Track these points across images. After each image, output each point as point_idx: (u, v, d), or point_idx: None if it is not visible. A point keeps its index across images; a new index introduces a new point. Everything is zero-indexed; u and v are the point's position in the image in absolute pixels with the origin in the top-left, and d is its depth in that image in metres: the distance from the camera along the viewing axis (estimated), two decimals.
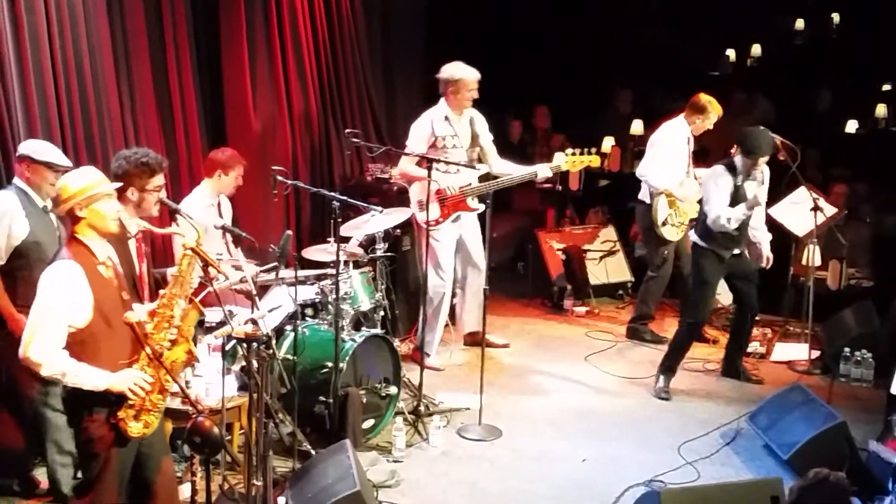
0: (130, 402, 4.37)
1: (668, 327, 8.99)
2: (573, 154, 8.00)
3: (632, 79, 12.50)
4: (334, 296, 6.56)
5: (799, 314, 8.76)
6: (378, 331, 7.05)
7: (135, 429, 4.41)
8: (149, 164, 5.07)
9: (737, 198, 7.34)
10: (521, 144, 11.44)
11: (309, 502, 5.38)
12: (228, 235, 6.65)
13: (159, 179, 5.14)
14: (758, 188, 7.38)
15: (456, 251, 8.10)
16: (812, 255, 8.48)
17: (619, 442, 6.86)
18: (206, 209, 6.83)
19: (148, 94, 7.41)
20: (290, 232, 6.36)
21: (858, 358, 8.01)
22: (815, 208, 8.17)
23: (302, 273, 6.82)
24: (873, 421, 6.97)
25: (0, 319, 5.43)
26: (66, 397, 4.47)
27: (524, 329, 9.37)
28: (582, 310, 9.90)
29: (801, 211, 8.42)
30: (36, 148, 5.49)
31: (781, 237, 8.85)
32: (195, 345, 4.75)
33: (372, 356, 6.84)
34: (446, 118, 7.86)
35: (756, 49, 13.23)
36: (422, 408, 7.12)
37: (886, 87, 12.19)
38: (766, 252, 7.83)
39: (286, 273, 6.53)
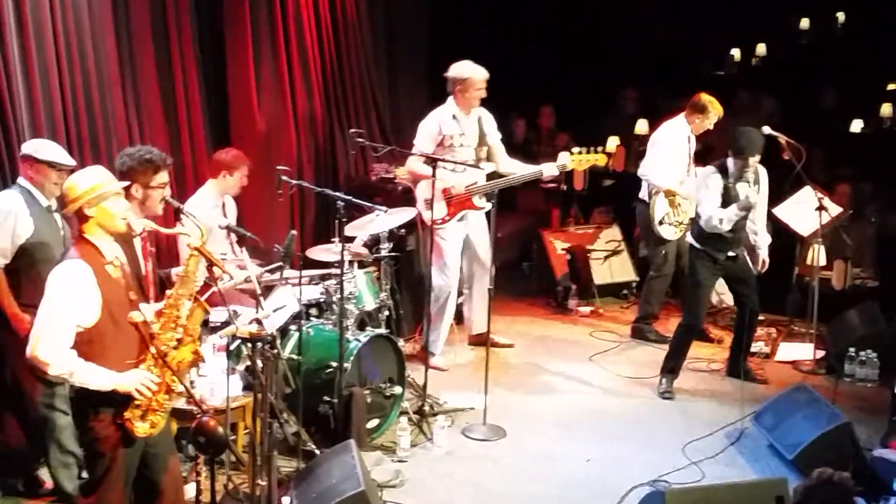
0: (137, 403, 4.38)
1: (673, 327, 8.89)
2: (579, 152, 7.98)
3: (636, 78, 12.49)
4: (339, 296, 6.56)
5: (804, 314, 8.75)
6: (382, 331, 7.05)
7: (141, 429, 4.42)
8: (153, 161, 5.06)
9: (728, 199, 7.31)
10: (525, 144, 11.44)
11: (313, 502, 5.39)
12: (233, 235, 6.66)
13: (163, 176, 5.14)
14: (750, 189, 7.34)
15: (462, 250, 8.10)
16: (817, 255, 8.46)
17: (624, 442, 6.86)
18: (211, 210, 6.84)
19: (153, 95, 7.42)
20: (294, 232, 6.37)
21: (863, 358, 7.99)
22: (820, 208, 8.15)
23: (306, 273, 6.82)
24: (878, 421, 6.97)
25: (4, 318, 5.43)
26: (74, 397, 4.47)
27: (528, 329, 9.37)
28: (586, 309, 9.90)
29: (806, 210, 8.40)
30: (39, 147, 5.50)
31: (785, 237, 8.87)
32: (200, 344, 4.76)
33: (376, 356, 6.84)
34: (454, 117, 7.86)
35: (761, 48, 13.21)
36: (426, 408, 7.13)
37: (892, 87, 12.14)
38: (763, 255, 7.80)
39: (291, 273, 6.54)
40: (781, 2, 12.91)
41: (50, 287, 4.31)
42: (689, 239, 7.72)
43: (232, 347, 5.61)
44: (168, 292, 4.56)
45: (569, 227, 10.67)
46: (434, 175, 7.24)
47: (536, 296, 10.31)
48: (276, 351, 5.13)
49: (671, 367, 7.75)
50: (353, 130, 8.07)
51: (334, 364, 6.44)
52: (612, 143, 11.04)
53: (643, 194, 8.79)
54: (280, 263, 6.37)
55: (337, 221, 6.52)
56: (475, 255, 8.16)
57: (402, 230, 7.73)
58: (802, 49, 13.12)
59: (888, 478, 5.88)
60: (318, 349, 6.65)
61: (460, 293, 8.39)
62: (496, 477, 6.37)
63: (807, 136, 8.57)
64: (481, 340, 7.97)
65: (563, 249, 10.27)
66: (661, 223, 8.56)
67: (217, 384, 5.74)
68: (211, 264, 4.63)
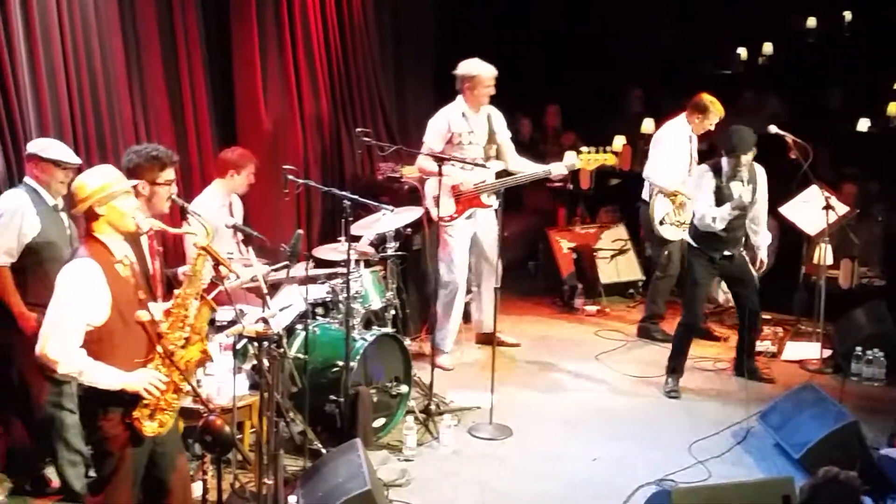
0: (145, 402, 4.39)
1: None
2: (588, 152, 7.97)
3: (642, 77, 12.48)
4: (345, 295, 6.56)
5: (810, 313, 8.73)
6: (389, 330, 7.05)
7: (150, 428, 4.42)
8: (159, 158, 5.08)
9: (722, 198, 7.31)
10: (531, 143, 11.43)
11: (319, 501, 5.39)
12: (239, 234, 6.66)
13: (170, 173, 5.16)
14: (744, 188, 7.31)
15: (470, 249, 8.11)
16: (824, 254, 8.45)
17: (630, 441, 6.85)
18: (217, 209, 6.84)
19: (159, 94, 7.43)
20: (301, 231, 6.36)
21: (870, 357, 7.98)
22: (827, 207, 8.15)
23: (313, 272, 6.83)
24: (885, 420, 6.97)
25: (10, 317, 5.44)
26: (82, 395, 4.48)
27: (535, 328, 9.37)
28: (592, 309, 9.90)
29: (813, 210, 8.39)
30: (44, 146, 5.51)
31: (792, 236, 8.86)
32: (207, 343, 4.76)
33: (382, 355, 6.84)
34: (463, 115, 7.87)
35: (767, 47, 13.20)
36: (432, 407, 7.13)
37: None
38: (762, 256, 7.78)
39: (297, 272, 6.54)
40: (788, 1, 12.91)
41: (60, 285, 4.32)
42: (687, 238, 7.73)
43: (238, 346, 5.60)
44: (176, 292, 4.56)
45: (575, 227, 10.66)
46: (441, 172, 7.25)
47: (542, 295, 10.32)
48: (282, 350, 5.14)
49: (674, 366, 7.75)
50: (359, 130, 8.07)
51: (340, 363, 6.44)
52: (619, 142, 11.04)
53: (645, 195, 8.79)
54: (286, 262, 6.37)
55: (343, 221, 6.52)
56: (483, 254, 8.16)
57: (409, 229, 7.73)
58: (809, 48, 13.12)
59: (895, 477, 5.87)
60: (325, 348, 6.66)
61: (468, 291, 8.39)
62: (502, 476, 6.37)
63: (813, 136, 8.57)
64: (488, 339, 7.96)
65: (569, 248, 10.27)
66: (661, 223, 8.57)
67: (223, 383, 5.75)
68: (217, 263, 4.64)
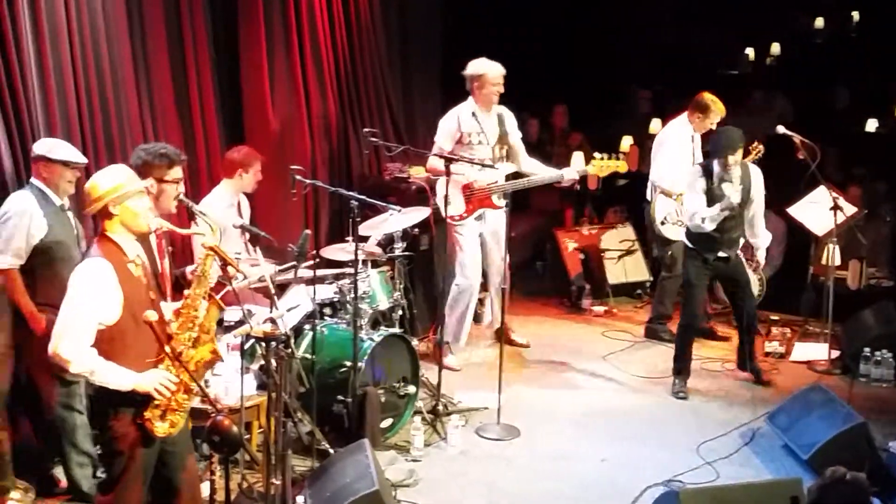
0: (156, 403, 4.40)
1: None
2: (601, 158, 7.96)
3: (650, 78, 12.48)
4: (352, 295, 6.57)
5: (818, 314, 8.72)
6: (396, 330, 7.06)
7: (161, 428, 4.44)
8: (167, 155, 5.11)
9: (713, 199, 7.29)
10: (539, 143, 11.41)
11: (327, 501, 5.39)
12: (247, 234, 6.67)
13: (177, 172, 5.17)
14: (734, 189, 7.25)
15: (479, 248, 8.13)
16: (832, 255, 8.43)
17: (638, 441, 6.85)
18: (225, 209, 6.86)
19: (167, 95, 7.44)
20: (308, 231, 6.37)
21: (878, 358, 7.97)
22: (835, 207, 8.13)
23: (320, 272, 6.83)
24: (893, 421, 6.97)
25: (20, 317, 5.45)
26: (93, 395, 4.49)
27: (542, 328, 9.37)
28: (600, 309, 9.90)
29: (821, 210, 8.38)
30: (51, 147, 5.52)
31: (800, 237, 8.84)
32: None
33: (390, 355, 6.84)
34: (474, 115, 7.87)
35: (775, 48, 13.19)
36: (440, 407, 7.13)
37: None
38: (760, 257, 7.77)
39: (304, 272, 6.55)
40: (796, 1, 12.90)
41: (72, 285, 4.33)
42: (683, 238, 7.72)
43: (246, 346, 5.61)
44: (186, 292, 4.57)
45: (582, 227, 10.66)
46: (448, 172, 7.26)
47: (550, 295, 10.32)
48: (290, 350, 5.14)
49: (680, 367, 7.74)
50: (366, 130, 8.08)
51: (348, 363, 6.44)
52: (626, 142, 11.04)
53: (649, 195, 8.79)
54: (294, 263, 6.37)
55: (351, 221, 6.52)
56: (490, 254, 8.15)
57: (416, 229, 7.73)
58: (817, 49, 13.11)
59: None
60: (332, 348, 6.66)
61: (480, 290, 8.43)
62: (510, 476, 6.37)
63: (821, 136, 8.57)
64: (506, 334, 8.09)
65: (576, 249, 10.27)
66: (662, 223, 8.56)
67: (231, 383, 5.75)
68: (225, 263, 4.65)
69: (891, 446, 6.32)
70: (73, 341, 4.24)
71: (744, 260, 7.69)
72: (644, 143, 11.19)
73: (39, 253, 5.44)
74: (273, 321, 5.05)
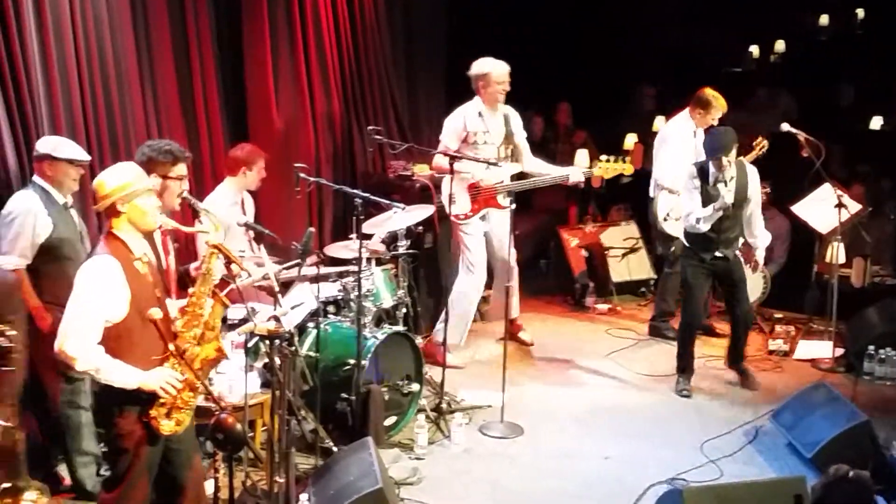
0: (162, 401, 4.41)
1: None
2: (607, 160, 7.96)
3: (654, 75, 12.46)
4: (356, 293, 6.57)
5: (823, 312, 8.71)
6: (400, 328, 7.06)
7: (167, 427, 4.45)
8: (171, 152, 5.14)
9: (708, 199, 7.25)
10: (543, 141, 11.41)
11: (331, 499, 5.39)
12: (251, 232, 6.67)
13: (182, 169, 5.19)
14: (726, 189, 7.19)
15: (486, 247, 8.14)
16: (836, 253, 8.42)
17: (642, 439, 6.85)
18: (229, 207, 6.86)
19: (171, 92, 7.45)
20: (312, 229, 6.37)
21: (883, 356, 7.96)
22: (839, 205, 8.13)
23: (324, 270, 6.83)
24: None
25: (26, 316, 5.46)
26: (98, 392, 4.50)
27: (546, 326, 9.37)
28: (604, 307, 9.90)
29: (825, 208, 8.37)
30: (56, 145, 5.52)
31: (804, 234, 8.83)
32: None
33: (394, 353, 6.84)
34: (480, 114, 7.87)
35: (780, 45, 13.16)
36: (444, 405, 7.13)
37: None
38: (758, 257, 7.73)
39: (308, 270, 6.55)
40: None
41: (79, 283, 4.34)
42: (682, 238, 7.70)
43: (250, 344, 5.62)
44: (191, 290, 4.58)
45: (586, 225, 10.65)
46: (452, 171, 7.27)
47: (554, 293, 10.33)
48: (293, 348, 5.15)
49: (682, 365, 7.75)
50: (370, 128, 8.07)
51: (352, 361, 6.45)
52: (630, 140, 11.02)
53: (652, 192, 8.79)
54: (298, 261, 6.38)
55: (354, 218, 6.52)
56: (495, 252, 8.15)
57: (420, 227, 7.73)
58: (821, 46, 13.07)
59: None
60: (336, 346, 6.66)
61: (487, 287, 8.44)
62: (513, 474, 6.37)
63: (826, 133, 8.55)
64: (514, 329, 8.19)
65: (580, 247, 10.26)
66: (665, 220, 8.56)
67: (235, 381, 5.76)
68: (229, 261, 4.66)
69: (895, 445, 6.32)
70: (79, 339, 4.25)
71: (741, 259, 7.65)
72: (648, 140, 11.15)
73: (45, 251, 5.45)
74: (277, 319, 5.05)
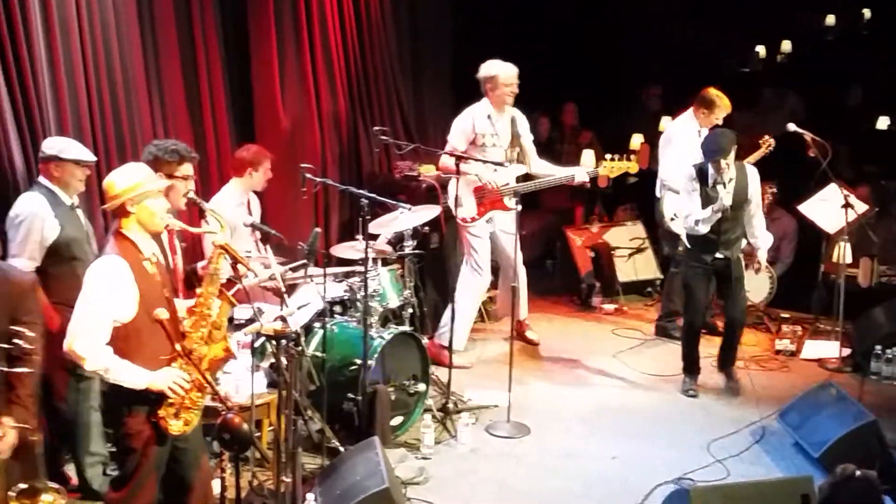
0: (170, 401, 4.41)
1: None
2: (611, 159, 7.96)
3: (660, 75, 12.45)
4: (363, 293, 6.57)
5: (829, 312, 8.69)
6: (406, 328, 7.06)
7: (175, 427, 4.46)
8: (178, 151, 5.15)
9: (707, 201, 7.22)
10: (549, 141, 11.42)
11: (338, 499, 5.40)
12: (257, 233, 6.68)
13: (188, 168, 5.20)
14: (724, 191, 7.13)
15: (492, 248, 8.14)
16: (843, 252, 8.41)
17: (648, 439, 6.84)
18: (235, 207, 6.87)
19: (177, 93, 7.45)
20: (318, 229, 6.38)
21: (890, 356, 7.95)
22: (846, 205, 8.11)
23: (331, 270, 6.84)
24: None
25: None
26: (107, 392, 4.51)
27: (552, 326, 9.37)
28: (610, 307, 9.90)
29: (832, 208, 8.37)
30: (62, 146, 5.52)
31: (811, 234, 8.82)
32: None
33: (400, 353, 6.85)
34: (489, 117, 7.88)
35: (786, 45, 13.17)
36: (450, 405, 7.13)
37: None
38: (761, 257, 7.69)
39: (315, 270, 6.55)
40: None
41: (88, 283, 4.36)
42: (683, 238, 7.69)
43: (256, 345, 5.62)
44: (198, 290, 4.59)
45: (593, 225, 10.65)
46: (458, 172, 7.27)
47: (560, 293, 10.33)
48: (300, 348, 5.15)
49: (688, 365, 7.75)
50: (376, 128, 8.09)
51: (358, 361, 6.45)
52: (636, 140, 11.02)
53: (658, 192, 8.78)
54: (304, 261, 6.39)
55: (361, 219, 6.53)
56: (502, 253, 8.16)
57: (426, 227, 7.74)
58: (828, 46, 13.07)
59: None
60: (343, 346, 6.67)
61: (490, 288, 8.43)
62: (520, 474, 6.37)
63: (832, 134, 8.55)
64: (520, 328, 8.20)
65: (586, 247, 10.26)
66: (671, 220, 8.56)
67: (242, 381, 5.76)
68: (236, 262, 4.66)
69: None
70: (88, 338, 4.27)
71: (742, 260, 7.60)
72: (654, 140, 11.14)
73: (53, 253, 5.45)
74: (283, 319, 5.05)
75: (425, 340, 7.28)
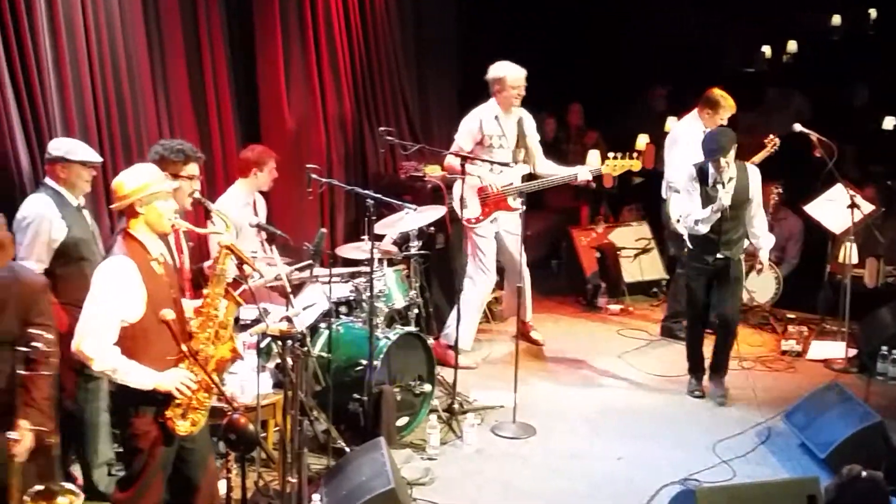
0: (178, 402, 4.42)
1: None
2: (614, 157, 7.96)
3: (666, 76, 12.44)
4: (368, 293, 6.57)
5: (835, 312, 8.69)
6: (412, 328, 7.06)
7: (182, 427, 4.46)
8: (183, 151, 5.17)
9: (708, 200, 7.19)
10: (555, 142, 11.42)
11: (343, 499, 5.40)
12: (263, 233, 6.68)
13: (193, 168, 5.20)
14: (723, 190, 7.07)
15: (497, 248, 8.14)
16: (849, 253, 8.40)
17: (654, 440, 6.84)
18: (241, 208, 6.88)
19: (183, 93, 7.46)
20: (324, 230, 6.38)
21: None
22: (852, 205, 8.10)
23: (336, 271, 6.84)
24: None
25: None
26: (116, 392, 4.52)
27: (558, 327, 9.37)
28: (616, 308, 9.89)
29: (838, 208, 8.36)
30: (69, 148, 5.52)
31: (817, 234, 8.80)
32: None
33: (406, 354, 6.85)
34: (496, 117, 7.88)
35: (792, 45, 13.14)
36: (456, 406, 7.13)
37: None
38: (763, 258, 7.64)
39: (320, 271, 6.55)
40: None
41: (96, 283, 4.37)
42: (686, 239, 7.67)
43: (262, 345, 5.62)
44: (205, 291, 4.60)
45: (598, 225, 10.64)
46: (464, 172, 7.27)
47: (566, 294, 10.32)
48: (305, 349, 5.15)
49: (693, 366, 7.75)
50: (382, 129, 8.09)
51: (364, 362, 6.45)
52: (642, 140, 11.00)
53: (664, 193, 8.77)
54: (310, 261, 6.39)
55: (366, 219, 6.53)
56: (506, 253, 8.16)
57: (432, 228, 7.73)
58: (834, 46, 13.04)
59: None
60: (348, 347, 6.67)
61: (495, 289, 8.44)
62: (525, 475, 6.37)
63: (838, 134, 8.53)
64: (525, 329, 8.18)
65: (592, 247, 10.25)
66: (678, 221, 8.53)
67: (247, 382, 5.77)
68: (241, 262, 4.67)
69: None
70: (96, 339, 4.28)
71: (742, 261, 7.57)
72: (660, 140, 11.13)
73: (60, 254, 5.45)
74: (289, 319, 5.06)
75: (431, 341, 7.28)
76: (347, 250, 7.20)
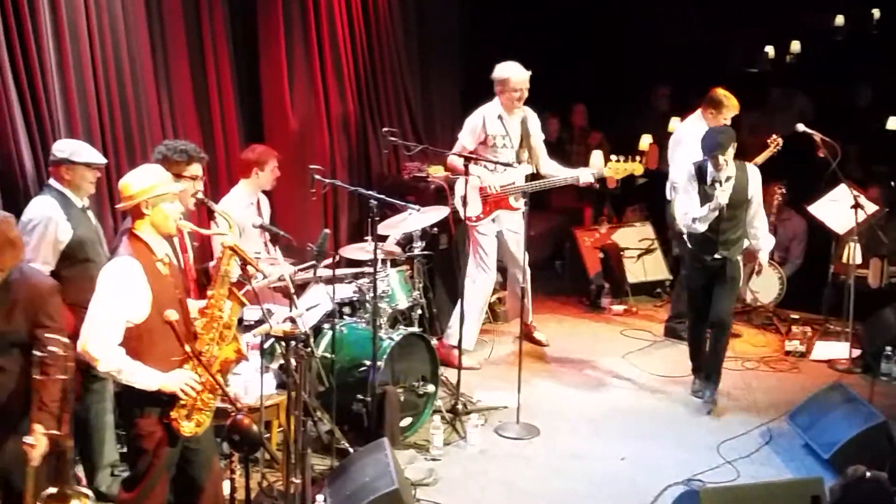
0: (182, 402, 4.42)
1: None
2: (617, 160, 7.95)
3: (669, 76, 12.44)
4: (372, 294, 6.58)
5: (839, 312, 8.68)
6: (415, 329, 7.06)
7: (187, 428, 4.47)
8: (186, 152, 5.18)
9: (706, 199, 7.16)
10: (558, 142, 11.41)
11: (347, 500, 5.40)
12: (266, 234, 6.69)
13: (196, 169, 5.21)
14: (721, 189, 7.03)
15: (498, 248, 8.13)
16: (852, 253, 8.39)
17: (657, 440, 6.84)
18: (244, 208, 6.88)
19: (186, 94, 7.46)
20: (328, 230, 6.38)
21: None
22: (856, 206, 8.10)
23: (340, 271, 6.84)
24: None
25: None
26: (120, 392, 4.53)
27: (561, 327, 9.36)
28: (619, 308, 9.88)
29: (842, 208, 8.35)
30: (74, 149, 5.52)
31: (821, 235, 8.79)
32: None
33: (409, 354, 6.84)
34: (500, 117, 7.87)
35: (795, 45, 13.12)
36: (459, 406, 7.13)
37: None
38: (762, 259, 7.62)
39: (324, 271, 6.55)
40: None
41: (101, 284, 4.38)
42: (685, 238, 7.65)
43: (266, 346, 5.63)
44: (209, 292, 4.60)
45: (601, 226, 10.63)
46: (467, 172, 7.26)
47: (569, 294, 10.30)
48: (309, 349, 5.15)
49: (696, 366, 7.74)
50: (385, 129, 8.09)
51: (367, 362, 6.46)
52: (645, 141, 11.00)
53: (668, 194, 8.77)
54: (313, 262, 6.39)
55: (370, 220, 6.53)
56: (509, 253, 8.16)
57: (435, 229, 7.74)
58: (837, 46, 13.02)
59: None
60: (352, 347, 6.67)
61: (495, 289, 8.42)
62: (529, 475, 6.37)
63: (842, 134, 8.52)
64: (528, 331, 8.21)
65: (595, 248, 10.25)
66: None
67: (251, 382, 5.77)
68: (245, 263, 4.67)
69: None
70: (101, 339, 4.29)
71: (741, 262, 7.53)
72: (663, 141, 11.12)
73: (66, 255, 5.45)
74: (293, 320, 5.06)
75: (434, 341, 7.28)
76: (351, 251, 7.20)
